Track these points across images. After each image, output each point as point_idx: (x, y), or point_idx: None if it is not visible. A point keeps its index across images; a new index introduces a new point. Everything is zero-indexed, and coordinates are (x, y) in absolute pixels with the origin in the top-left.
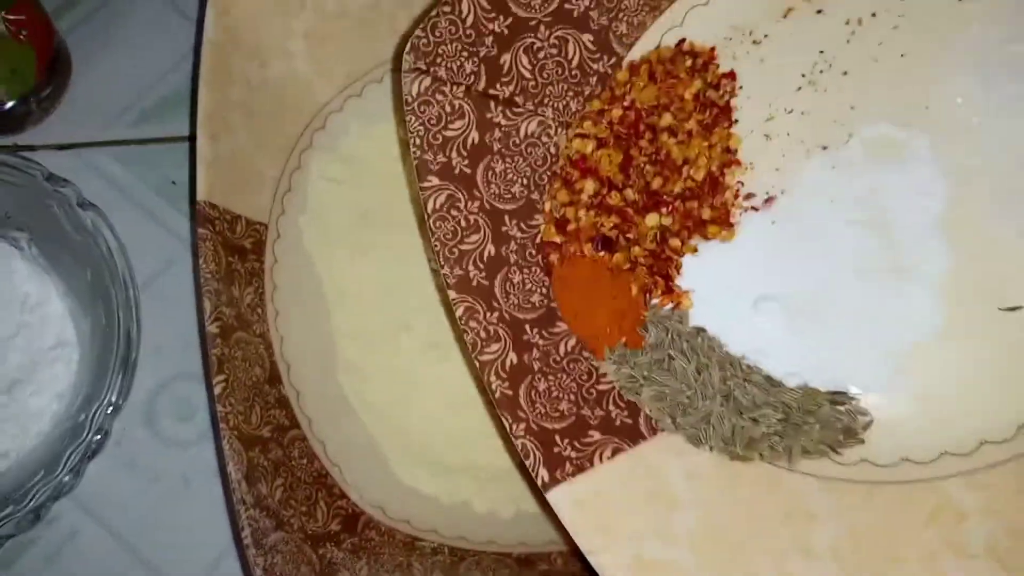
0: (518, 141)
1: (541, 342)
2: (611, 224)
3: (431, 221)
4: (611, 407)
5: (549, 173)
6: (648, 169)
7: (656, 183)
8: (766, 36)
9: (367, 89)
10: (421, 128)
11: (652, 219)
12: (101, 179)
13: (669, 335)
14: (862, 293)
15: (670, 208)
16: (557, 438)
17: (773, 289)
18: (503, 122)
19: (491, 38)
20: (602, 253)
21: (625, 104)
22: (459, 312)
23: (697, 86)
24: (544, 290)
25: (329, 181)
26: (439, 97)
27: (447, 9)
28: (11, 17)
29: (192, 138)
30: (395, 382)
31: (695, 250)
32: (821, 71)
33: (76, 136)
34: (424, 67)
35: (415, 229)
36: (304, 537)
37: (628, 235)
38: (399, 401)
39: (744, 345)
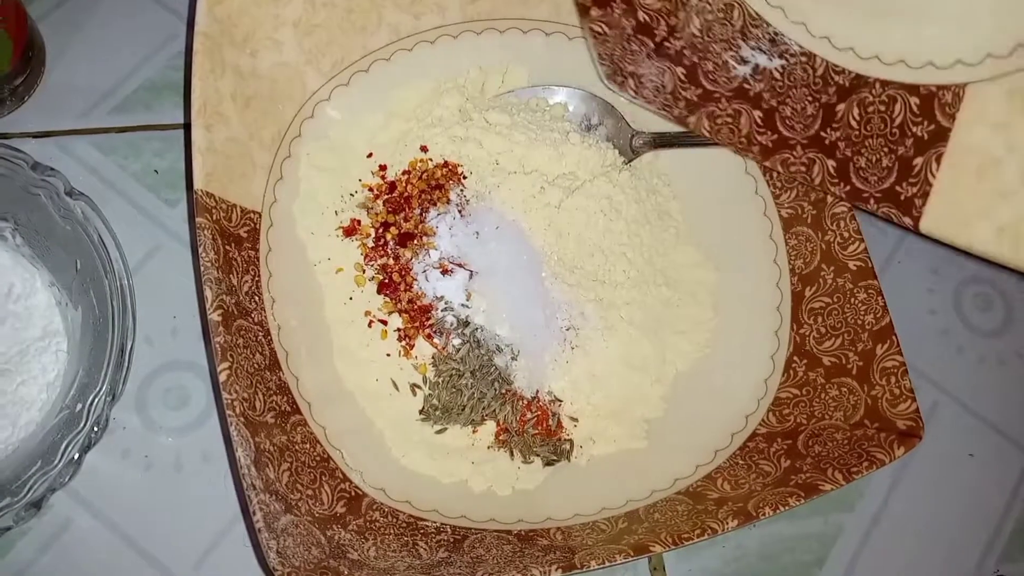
0: None
1: (838, 133)
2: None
3: None
4: (911, 130)
5: None
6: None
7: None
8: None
9: (354, 78)
10: None
11: None
12: (80, 167)
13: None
14: None
15: None
16: (898, 188)
17: None
18: None
19: None
20: None
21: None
22: None
23: None
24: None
25: (319, 169)
26: None
27: None
28: None
29: (187, 126)
30: (387, 365)
31: None
32: None
33: (52, 124)
34: None
35: None
36: (312, 520)
37: None
38: (394, 385)
39: None
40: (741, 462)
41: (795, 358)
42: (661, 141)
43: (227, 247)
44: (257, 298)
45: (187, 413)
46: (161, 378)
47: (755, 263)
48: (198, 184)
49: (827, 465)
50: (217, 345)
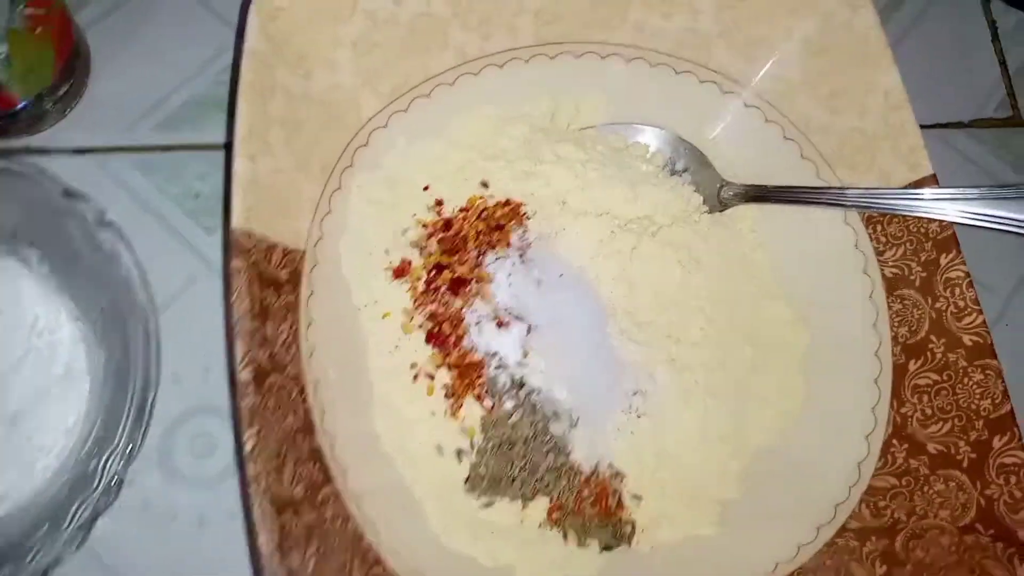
0: None
1: None
2: None
3: None
4: None
5: None
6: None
7: None
8: None
9: (414, 104)
10: None
11: None
12: (118, 187)
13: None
14: None
15: None
16: None
17: None
18: None
19: None
20: None
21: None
22: None
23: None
24: None
25: (370, 203)
26: None
27: None
28: (30, 11)
29: (228, 146)
30: (431, 425)
31: None
32: None
33: (93, 140)
34: None
35: None
36: None
37: None
38: (438, 449)
39: None
40: (828, 563)
41: (894, 441)
42: (754, 194)
43: (263, 292)
44: (294, 348)
45: (214, 463)
46: (189, 423)
47: (851, 327)
48: (236, 222)
49: None
50: (244, 409)
